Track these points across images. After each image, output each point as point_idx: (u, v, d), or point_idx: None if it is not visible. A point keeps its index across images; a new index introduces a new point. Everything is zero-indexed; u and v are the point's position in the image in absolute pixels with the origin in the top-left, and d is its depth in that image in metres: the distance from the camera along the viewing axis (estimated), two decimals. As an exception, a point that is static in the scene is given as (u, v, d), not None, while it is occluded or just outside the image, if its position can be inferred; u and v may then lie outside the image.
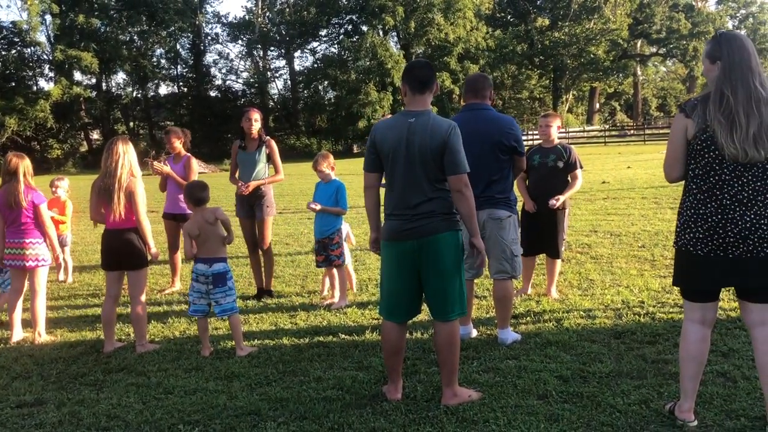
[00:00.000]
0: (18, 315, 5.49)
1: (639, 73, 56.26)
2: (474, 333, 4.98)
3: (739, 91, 2.98)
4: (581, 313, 5.39)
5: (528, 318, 5.35)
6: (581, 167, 5.86)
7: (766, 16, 68.72)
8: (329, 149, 42.68)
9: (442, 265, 3.65)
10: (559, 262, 6.03)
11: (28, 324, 5.55)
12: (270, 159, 6.46)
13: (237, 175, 6.52)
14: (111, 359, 4.85)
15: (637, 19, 54.39)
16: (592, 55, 51.68)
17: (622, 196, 13.05)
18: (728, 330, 4.72)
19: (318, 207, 5.98)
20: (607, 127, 51.14)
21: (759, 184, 3.02)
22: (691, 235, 3.14)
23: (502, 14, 56.32)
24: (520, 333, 4.90)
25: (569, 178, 5.84)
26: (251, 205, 6.44)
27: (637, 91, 59.35)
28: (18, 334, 5.45)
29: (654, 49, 58.82)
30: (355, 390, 4.00)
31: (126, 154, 5.00)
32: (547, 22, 52.59)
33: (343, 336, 5.07)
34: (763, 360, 3.18)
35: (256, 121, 6.36)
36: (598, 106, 60.29)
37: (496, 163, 4.65)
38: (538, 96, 59.88)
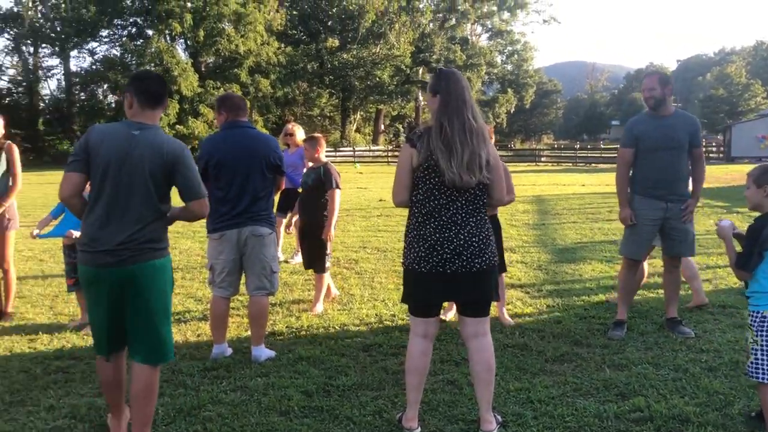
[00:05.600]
0: None
1: (420, 98, 59.81)
2: (229, 352, 4.94)
3: (455, 122, 3.30)
4: (337, 327, 5.58)
5: (285, 334, 5.43)
6: (338, 187, 6.10)
7: (528, 54, 77.31)
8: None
9: (147, 300, 3.30)
10: (325, 277, 6.20)
11: None
12: (9, 166, 5.90)
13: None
14: None
15: (419, 47, 58.01)
16: (377, 79, 54.11)
17: (395, 213, 13.67)
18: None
19: (35, 233, 5.86)
20: (391, 147, 53.70)
21: (471, 207, 3.39)
22: (415, 254, 3.41)
23: (294, 32, 56.90)
24: (275, 350, 4.96)
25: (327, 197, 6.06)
26: (-11, 219, 5.83)
27: (418, 114, 63.06)
28: None
29: (434, 77, 63.00)
30: (90, 418, 3.77)
31: None
32: (336, 43, 54.08)
33: (87, 360, 4.74)
34: (476, 369, 3.53)
35: None
36: (383, 127, 63.20)
37: (262, 180, 4.72)
38: (328, 114, 61.26)
